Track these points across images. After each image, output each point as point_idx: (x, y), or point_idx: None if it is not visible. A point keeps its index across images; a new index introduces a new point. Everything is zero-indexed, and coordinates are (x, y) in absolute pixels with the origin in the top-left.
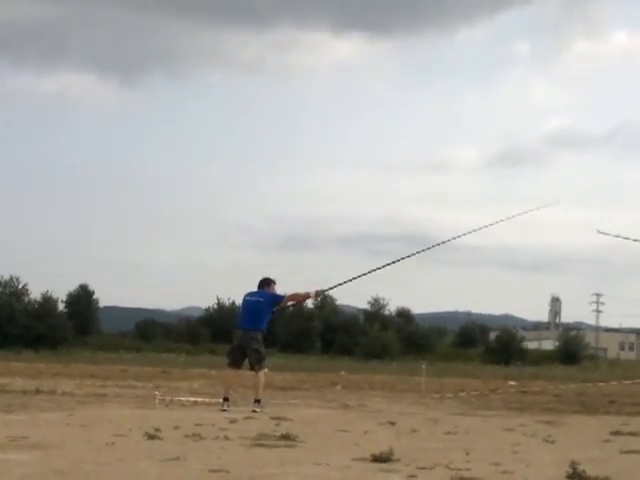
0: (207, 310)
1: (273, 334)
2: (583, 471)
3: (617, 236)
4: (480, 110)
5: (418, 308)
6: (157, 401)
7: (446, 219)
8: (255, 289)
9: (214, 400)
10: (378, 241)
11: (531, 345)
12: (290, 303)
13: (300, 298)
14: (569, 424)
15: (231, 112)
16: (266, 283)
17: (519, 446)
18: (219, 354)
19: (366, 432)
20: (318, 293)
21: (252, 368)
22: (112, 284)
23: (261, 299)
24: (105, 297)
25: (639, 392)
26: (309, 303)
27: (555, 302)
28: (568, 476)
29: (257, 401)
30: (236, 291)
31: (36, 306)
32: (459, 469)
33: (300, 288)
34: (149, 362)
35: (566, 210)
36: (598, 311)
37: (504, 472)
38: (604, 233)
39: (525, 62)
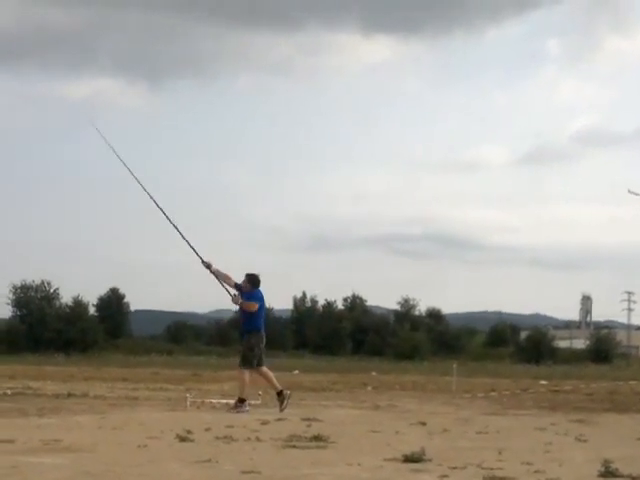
0: (237, 312)
1: (303, 336)
2: (616, 469)
3: None
4: (509, 109)
5: (448, 308)
6: (188, 403)
7: (474, 218)
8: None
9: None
10: (406, 241)
11: (562, 344)
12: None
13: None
14: (601, 423)
15: (259, 114)
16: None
17: (551, 445)
18: None
19: (397, 432)
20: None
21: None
22: (142, 287)
23: None
24: (135, 300)
25: None
26: (339, 305)
27: (586, 300)
28: (601, 475)
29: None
30: (264, 292)
31: (67, 310)
32: (491, 468)
33: (328, 288)
34: (180, 365)
35: (595, 207)
36: (629, 309)
37: (536, 471)
38: (634, 193)
39: (554, 61)
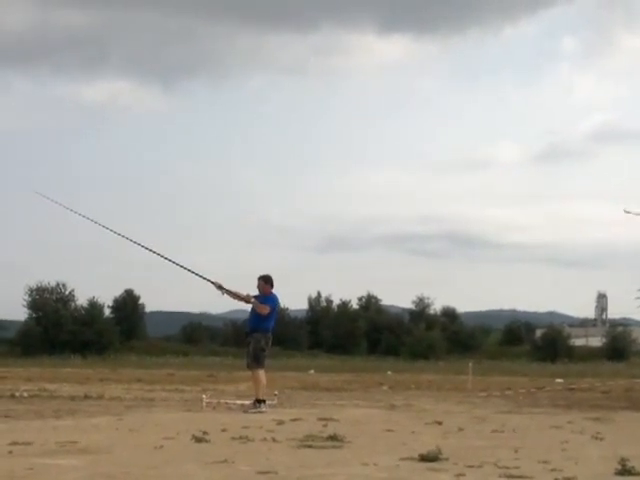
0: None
1: (318, 336)
2: (633, 467)
3: None
4: (524, 107)
5: (463, 307)
6: (204, 404)
7: (489, 217)
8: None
9: None
10: (420, 240)
11: (578, 342)
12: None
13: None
14: (617, 421)
15: (273, 115)
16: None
17: (567, 443)
18: None
19: (413, 432)
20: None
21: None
22: (157, 288)
23: None
24: (150, 302)
25: None
26: (354, 304)
27: (601, 298)
28: (617, 472)
29: (257, 401)
30: (279, 293)
31: (83, 312)
32: (507, 467)
33: (343, 287)
34: (195, 366)
35: (610, 205)
36: None
37: (553, 469)
38: (628, 212)
39: (569, 59)
